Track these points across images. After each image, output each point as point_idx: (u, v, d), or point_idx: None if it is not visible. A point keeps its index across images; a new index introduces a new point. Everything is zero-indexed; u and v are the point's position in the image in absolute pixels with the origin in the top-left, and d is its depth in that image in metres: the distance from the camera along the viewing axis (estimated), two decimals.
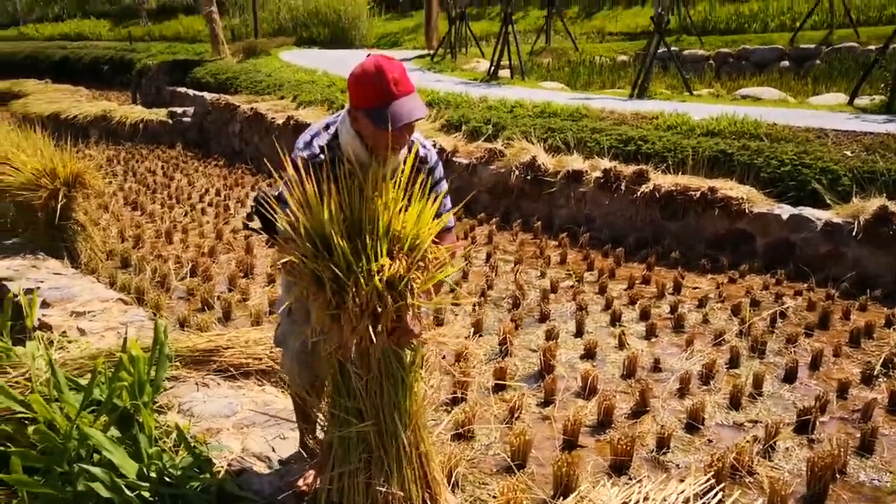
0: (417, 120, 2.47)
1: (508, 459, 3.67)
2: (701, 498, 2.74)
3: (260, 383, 3.90)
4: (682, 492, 2.67)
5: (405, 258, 2.39)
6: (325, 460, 2.67)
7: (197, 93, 15.57)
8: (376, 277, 2.30)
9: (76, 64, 25.21)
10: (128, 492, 2.60)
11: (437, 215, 2.53)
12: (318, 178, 2.42)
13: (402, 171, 2.46)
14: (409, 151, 2.64)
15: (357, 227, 2.41)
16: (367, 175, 2.46)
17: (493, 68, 14.03)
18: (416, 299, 2.42)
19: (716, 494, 2.75)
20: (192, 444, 2.89)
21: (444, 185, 2.81)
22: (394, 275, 2.35)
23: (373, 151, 2.51)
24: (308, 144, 2.62)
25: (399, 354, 2.57)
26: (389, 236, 2.40)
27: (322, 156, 2.56)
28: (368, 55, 2.55)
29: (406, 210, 2.44)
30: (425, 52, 19.26)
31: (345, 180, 2.46)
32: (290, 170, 2.48)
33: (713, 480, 3.09)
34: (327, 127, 2.68)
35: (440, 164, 2.81)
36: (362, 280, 2.30)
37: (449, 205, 2.77)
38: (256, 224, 2.78)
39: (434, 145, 3.13)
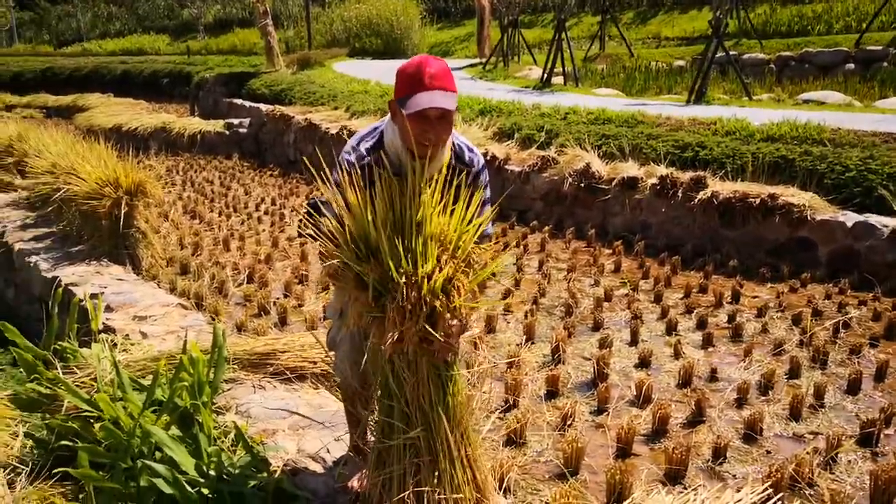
0: (438, 109, 2.46)
1: (561, 466, 3.65)
2: None
3: (315, 386, 3.95)
4: (739, 500, 2.61)
5: (452, 261, 2.41)
6: (377, 463, 2.69)
7: (253, 104, 15.88)
8: (429, 282, 2.31)
9: (136, 78, 25.93)
10: (188, 488, 2.65)
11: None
12: (365, 181, 2.46)
13: (442, 173, 2.48)
14: (452, 154, 2.66)
15: (401, 230, 2.43)
16: (408, 176, 2.49)
17: (546, 75, 14.00)
18: (461, 301, 2.42)
19: None
20: (250, 444, 2.94)
21: (488, 193, 2.81)
22: (444, 278, 2.36)
23: (411, 150, 2.53)
24: (355, 148, 2.67)
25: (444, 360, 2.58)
26: (435, 238, 2.42)
27: (368, 157, 2.61)
28: None
29: (450, 212, 2.46)
30: (477, 60, 19.34)
31: (387, 182, 2.48)
32: (338, 173, 2.53)
33: (771, 490, 3.02)
34: (374, 130, 2.72)
35: (486, 171, 2.81)
36: (404, 285, 2.32)
37: (488, 212, 2.76)
38: (308, 230, 2.84)
39: (486, 154, 3.13)
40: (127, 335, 4.62)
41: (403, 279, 2.33)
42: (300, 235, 2.91)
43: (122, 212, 6.38)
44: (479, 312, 5.29)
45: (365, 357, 2.70)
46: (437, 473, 2.55)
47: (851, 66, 14.30)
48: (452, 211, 2.47)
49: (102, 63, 28.88)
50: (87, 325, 4.52)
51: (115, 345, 4.33)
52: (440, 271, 2.35)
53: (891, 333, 5.37)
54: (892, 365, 4.81)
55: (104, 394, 3.00)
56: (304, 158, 11.53)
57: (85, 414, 3.28)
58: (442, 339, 2.41)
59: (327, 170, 2.58)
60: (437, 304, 2.35)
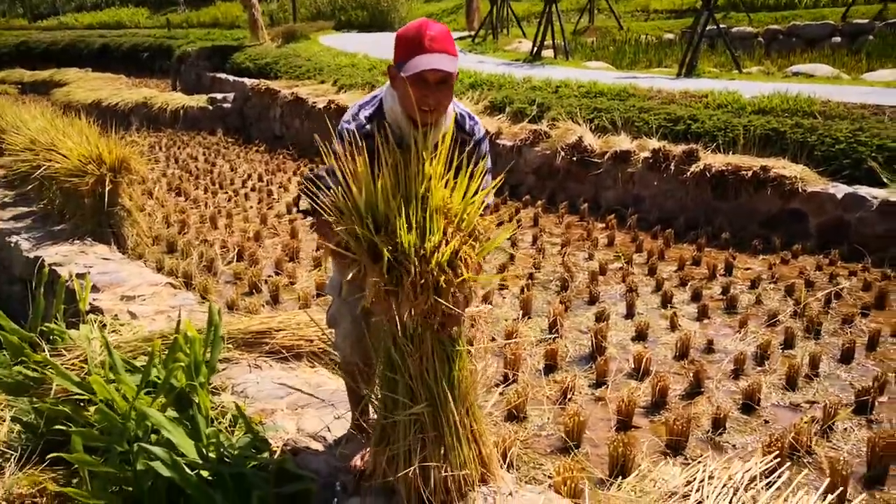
0: (438, 71, 2.38)
1: (563, 439, 3.62)
2: (766, 477, 2.66)
3: (312, 365, 3.89)
4: (748, 470, 2.60)
5: (457, 234, 2.34)
6: (380, 440, 2.64)
7: (237, 78, 15.64)
8: (437, 255, 2.25)
9: (116, 52, 25.47)
10: (188, 470, 2.60)
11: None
12: (369, 149, 2.39)
13: (445, 142, 2.41)
14: (453, 123, 2.59)
15: (406, 202, 2.36)
16: (408, 145, 2.42)
17: (536, 48, 13.88)
18: (468, 274, 2.37)
19: (781, 474, 2.67)
20: (250, 425, 2.88)
21: (489, 162, 2.74)
22: (450, 251, 2.31)
23: (411, 117, 2.46)
24: (355, 116, 2.59)
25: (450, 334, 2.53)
26: (440, 211, 2.35)
27: (368, 126, 2.53)
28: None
29: (454, 184, 2.39)
30: (466, 33, 19.14)
31: (385, 151, 2.41)
32: (337, 143, 2.45)
33: (779, 460, 3.01)
34: (374, 98, 2.64)
35: (487, 140, 2.74)
36: (415, 258, 2.26)
37: (489, 182, 2.69)
38: (306, 205, 2.77)
39: None
40: (115, 315, 4.53)
41: (413, 251, 2.27)
42: (300, 212, 2.83)
43: (107, 189, 6.24)
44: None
45: (366, 333, 2.64)
46: (442, 449, 2.51)
47: (838, 39, 14.28)
48: (456, 183, 2.40)
49: (80, 37, 28.35)
50: (73, 305, 4.43)
51: (104, 325, 4.24)
52: (447, 244, 2.29)
53: (881, 303, 5.39)
54: (883, 334, 4.83)
55: (97, 376, 2.93)
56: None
57: (76, 397, 3.20)
58: (452, 313, 2.36)
59: (323, 142, 2.49)
60: (442, 278, 2.29)
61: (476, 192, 2.42)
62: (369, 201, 2.34)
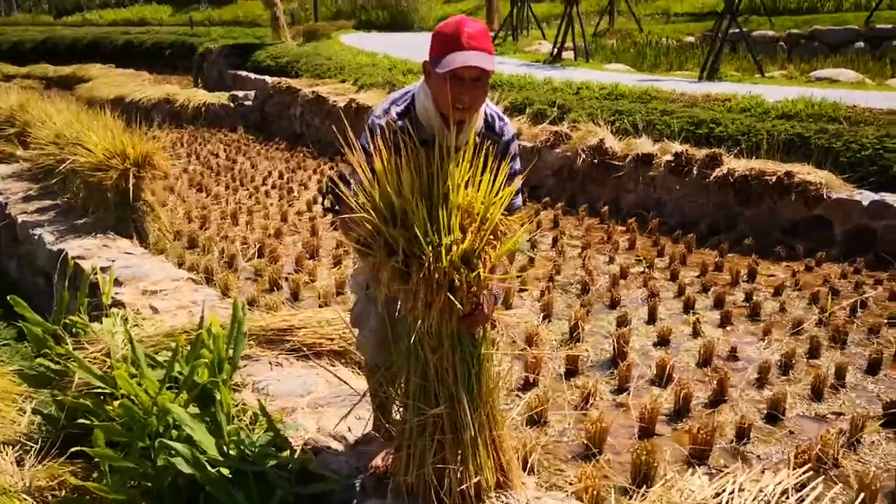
0: (475, 68, 2.35)
1: (584, 446, 3.59)
2: (798, 491, 2.62)
3: (333, 363, 3.87)
4: (780, 483, 2.55)
5: (477, 232, 2.32)
6: (400, 442, 2.62)
7: (258, 76, 15.65)
8: (450, 253, 2.23)
9: (139, 48, 25.55)
10: (209, 467, 2.58)
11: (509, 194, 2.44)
12: (396, 145, 2.37)
13: (471, 142, 2.39)
14: (483, 122, 2.57)
15: (429, 197, 2.34)
16: (438, 142, 2.40)
17: (556, 50, 13.83)
18: (486, 273, 2.34)
19: (814, 488, 2.62)
20: (273, 423, 2.87)
21: (518, 164, 2.71)
22: (467, 249, 2.28)
23: (443, 115, 2.44)
24: (386, 111, 2.57)
25: (472, 334, 2.51)
26: (462, 208, 2.33)
27: (400, 122, 2.51)
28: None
29: (478, 182, 2.36)
30: None
31: (413, 150, 2.39)
32: (366, 138, 2.44)
33: (810, 473, 2.96)
34: (406, 94, 2.62)
35: (516, 141, 2.71)
36: (431, 254, 2.24)
37: (516, 183, 2.66)
38: (328, 203, 2.78)
39: None
40: (137, 310, 4.53)
41: (430, 248, 2.25)
42: (324, 208, 2.81)
43: (130, 184, 6.26)
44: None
45: (390, 332, 2.62)
46: (459, 453, 2.49)
47: (861, 44, 14.11)
48: (480, 182, 2.38)
49: (104, 33, 28.49)
50: (96, 299, 4.43)
51: (127, 320, 4.24)
52: (463, 241, 2.27)
53: None
54: None
55: (121, 370, 2.92)
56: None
57: (98, 390, 3.19)
58: (465, 311, 2.34)
59: (344, 140, 2.48)
60: (456, 276, 2.27)
61: (499, 192, 2.39)
62: (385, 194, 2.33)
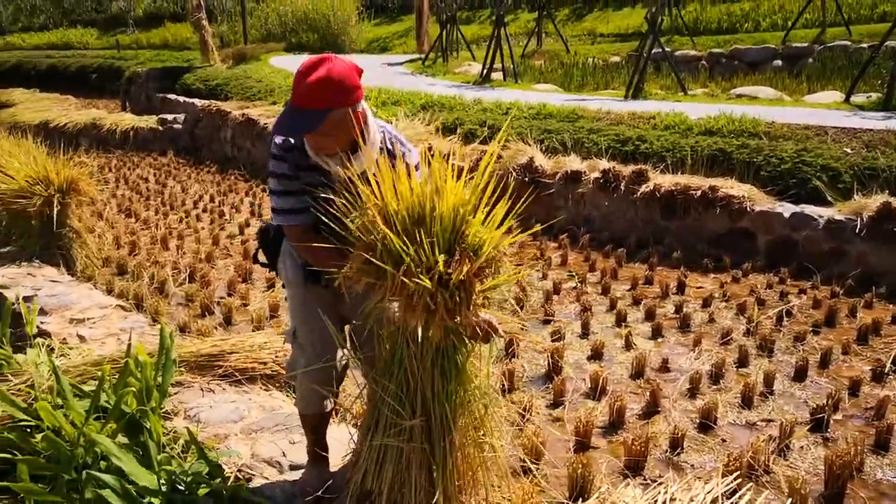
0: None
1: (523, 460, 3.60)
2: (728, 498, 2.68)
3: (266, 388, 3.82)
4: (710, 491, 2.61)
5: (466, 261, 2.32)
6: (359, 455, 2.60)
7: (187, 99, 15.45)
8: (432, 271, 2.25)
9: (64, 72, 25.03)
10: (139, 498, 2.51)
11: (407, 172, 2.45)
12: (294, 166, 2.49)
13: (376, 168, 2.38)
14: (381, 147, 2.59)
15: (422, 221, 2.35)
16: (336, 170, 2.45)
17: (485, 71, 14.00)
18: (472, 305, 2.35)
19: (742, 495, 2.69)
20: (203, 451, 2.81)
21: (416, 154, 2.71)
22: (450, 273, 2.28)
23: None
24: (283, 140, 2.58)
25: (456, 346, 2.51)
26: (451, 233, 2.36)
27: (291, 140, 2.55)
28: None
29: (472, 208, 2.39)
30: (416, 55, 19.24)
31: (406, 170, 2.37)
32: (271, 163, 2.54)
33: (740, 480, 3.03)
34: None
35: (401, 138, 2.69)
36: (416, 270, 2.26)
37: (416, 156, 2.71)
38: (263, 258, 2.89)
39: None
40: (64, 339, 4.40)
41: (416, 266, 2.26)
42: (259, 263, 2.87)
43: (55, 211, 6.11)
44: None
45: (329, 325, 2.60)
46: (427, 465, 2.47)
47: (779, 62, 14.65)
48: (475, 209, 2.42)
49: (27, 57, 27.81)
50: (19, 329, 4.29)
51: (52, 349, 4.11)
52: (449, 265, 2.28)
53: (831, 321, 5.50)
54: (834, 352, 4.92)
55: (44, 402, 2.83)
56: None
57: (22, 423, 3.08)
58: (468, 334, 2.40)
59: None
60: (440, 295, 2.27)
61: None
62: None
